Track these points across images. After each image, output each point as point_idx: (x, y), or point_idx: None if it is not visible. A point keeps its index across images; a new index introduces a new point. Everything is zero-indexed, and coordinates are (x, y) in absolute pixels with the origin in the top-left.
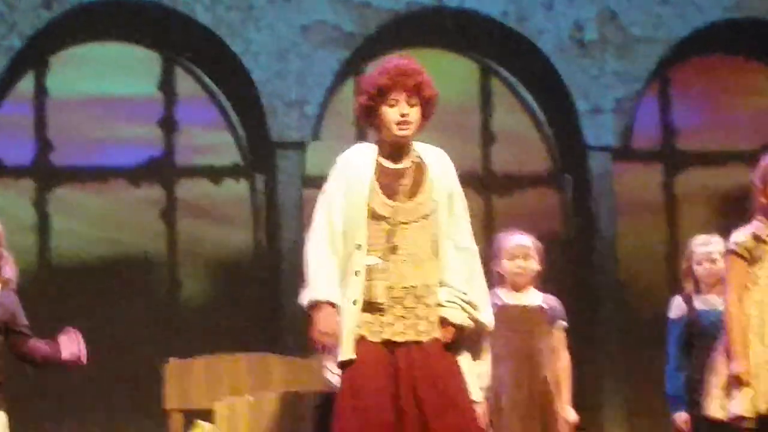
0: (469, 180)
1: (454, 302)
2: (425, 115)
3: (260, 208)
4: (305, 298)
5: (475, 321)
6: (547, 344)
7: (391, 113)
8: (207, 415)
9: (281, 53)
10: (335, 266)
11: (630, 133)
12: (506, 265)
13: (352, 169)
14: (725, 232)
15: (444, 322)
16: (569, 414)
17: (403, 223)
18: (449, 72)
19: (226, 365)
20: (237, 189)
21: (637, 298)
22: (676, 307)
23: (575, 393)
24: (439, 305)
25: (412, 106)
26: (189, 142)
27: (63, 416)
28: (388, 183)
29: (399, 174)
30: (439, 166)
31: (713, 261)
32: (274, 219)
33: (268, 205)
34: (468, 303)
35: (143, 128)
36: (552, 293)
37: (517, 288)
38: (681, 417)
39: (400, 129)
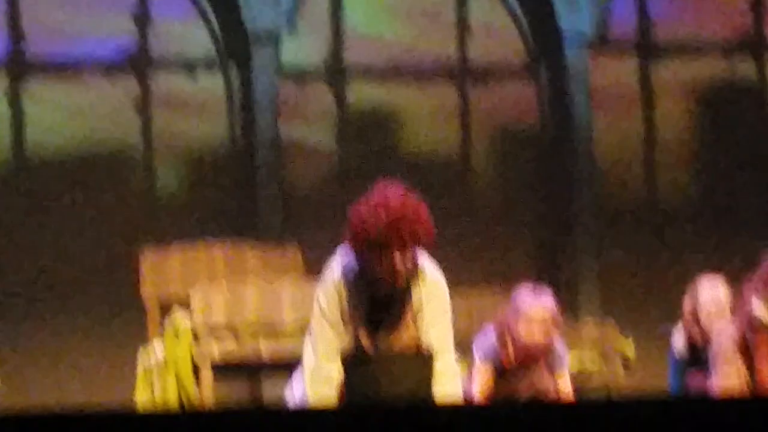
0: (444, 72)
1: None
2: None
3: (235, 100)
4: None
5: None
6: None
7: (383, 262)
8: (183, 302)
9: None
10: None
11: (606, 23)
12: (521, 331)
13: (345, 299)
14: (703, 124)
15: None
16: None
17: (387, 360)
18: None
19: (201, 253)
20: (212, 81)
21: (613, 190)
22: (681, 349)
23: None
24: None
25: (405, 252)
26: (163, 34)
27: (41, 306)
28: (375, 317)
29: (386, 308)
30: (422, 299)
31: (722, 311)
32: (249, 111)
33: (243, 97)
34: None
35: (117, 20)
36: (528, 188)
37: (526, 356)
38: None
39: (394, 278)
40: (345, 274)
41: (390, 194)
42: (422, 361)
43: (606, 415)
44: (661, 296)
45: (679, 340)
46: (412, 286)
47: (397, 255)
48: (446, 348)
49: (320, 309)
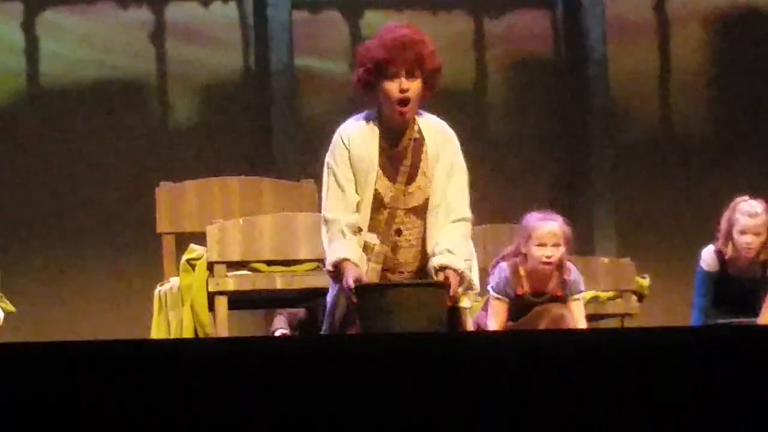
0: (459, 1)
1: (453, 253)
2: (429, 87)
3: (249, 30)
4: (329, 261)
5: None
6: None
7: (390, 88)
8: (199, 238)
9: None
10: (354, 238)
11: None
12: (534, 252)
13: (357, 151)
14: (719, 53)
15: (445, 269)
16: None
17: (404, 209)
18: None
19: (217, 188)
20: (226, 10)
21: (629, 120)
22: (710, 261)
23: (569, 223)
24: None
25: (412, 79)
26: None
27: (57, 241)
28: (390, 166)
29: (399, 155)
30: (437, 145)
31: (758, 234)
32: (264, 41)
33: (257, 27)
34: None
35: None
36: (543, 119)
37: (539, 278)
38: None
39: (401, 107)
40: (355, 125)
41: (394, 25)
42: (437, 291)
43: (619, 344)
44: (679, 230)
45: (708, 253)
46: (423, 134)
47: (404, 72)
48: (464, 208)
49: (328, 169)
